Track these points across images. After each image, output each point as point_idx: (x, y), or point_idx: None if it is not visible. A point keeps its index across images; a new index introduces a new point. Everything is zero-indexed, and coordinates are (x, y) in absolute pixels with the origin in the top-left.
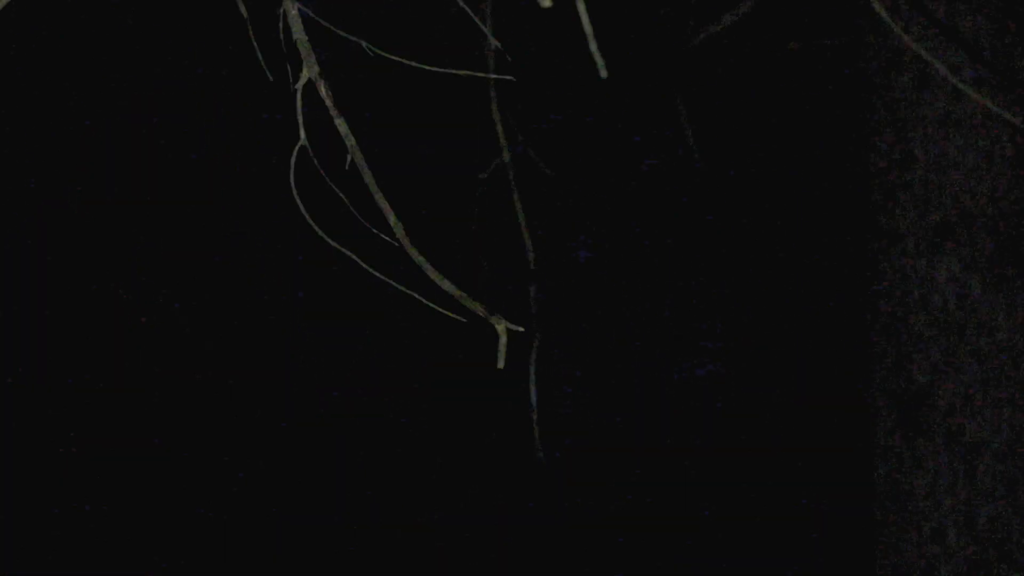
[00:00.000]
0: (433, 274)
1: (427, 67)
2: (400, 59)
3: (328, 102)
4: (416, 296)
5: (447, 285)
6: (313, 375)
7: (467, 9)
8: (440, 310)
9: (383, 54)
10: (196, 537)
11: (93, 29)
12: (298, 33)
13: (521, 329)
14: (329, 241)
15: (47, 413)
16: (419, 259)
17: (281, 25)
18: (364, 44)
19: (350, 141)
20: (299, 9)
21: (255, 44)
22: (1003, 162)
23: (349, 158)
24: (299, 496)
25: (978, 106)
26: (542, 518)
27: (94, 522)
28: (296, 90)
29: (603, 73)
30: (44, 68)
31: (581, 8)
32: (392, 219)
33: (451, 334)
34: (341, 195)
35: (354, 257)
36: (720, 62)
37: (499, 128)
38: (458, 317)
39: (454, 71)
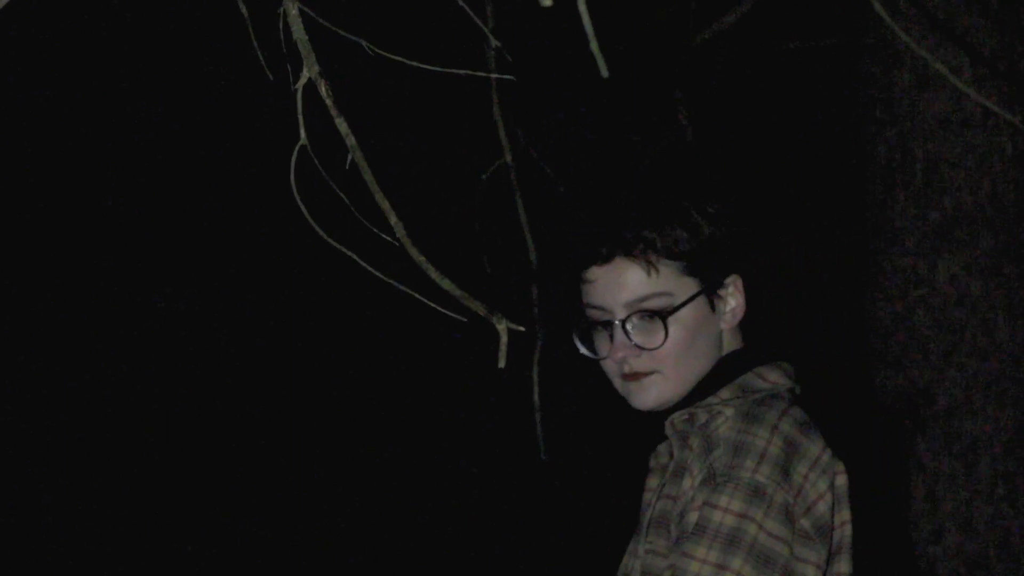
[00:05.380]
0: (434, 274)
1: (427, 67)
2: (400, 59)
3: (328, 102)
4: (417, 296)
5: (448, 284)
6: (313, 374)
7: (467, 9)
8: (441, 310)
9: (383, 54)
10: (195, 537)
11: (93, 29)
12: (298, 33)
13: (522, 329)
14: (329, 241)
15: (46, 413)
16: (420, 259)
17: (281, 25)
18: (364, 44)
19: (350, 140)
20: (299, 8)
21: (255, 44)
22: (1003, 162)
23: (349, 158)
24: (299, 496)
25: (978, 106)
26: (542, 518)
27: (93, 521)
28: (296, 90)
29: (604, 72)
30: (44, 68)
31: (582, 7)
32: (392, 219)
33: (451, 334)
34: (341, 195)
35: (355, 257)
36: (720, 62)
37: (500, 129)
38: (459, 317)
39: (454, 71)
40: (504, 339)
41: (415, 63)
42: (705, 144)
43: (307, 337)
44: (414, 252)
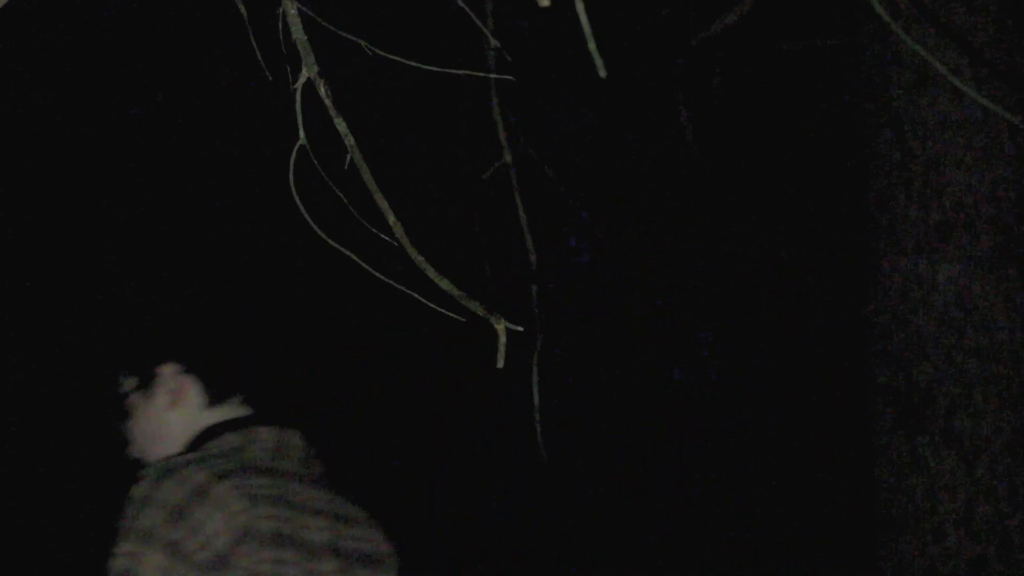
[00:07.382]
0: (433, 274)
1: (427, 67)
2: (400, 59)
3: (327, 102)
4: (416, 296)
5: (447, 285)
6: (313, 375)
7: (467, 9)
8: (440, 310)
9: (383, 54)
10: None
11: (93, 29)
12: (297, 33)
13: (521, 329)
14: (329, 241)
15: (46, 412)
16: (418, 259)
17: (280, 25)
18: (364, 44)
19: (349, 141)
20: (298, 8)
21: (255, 44)
22: (1003, 161)
23: (349, 158)
24: None
25: (978, 106)
26: (542, 518)
27: (93, 521)
28: (295, 90)
29: (602, 73)
30: (44, 68)
31: (580, 7)
32: (391, 219)
33: (450, 334)
34: (341, 195)
35: (354, 257)
36: (720, 62)
37: (500, 128)
38: (458, 317)
39: (454, 71)
40: (502, 339)
41: (415, 63)
42: (705, 144)
43: (305, 337)
44: (413, 252)
